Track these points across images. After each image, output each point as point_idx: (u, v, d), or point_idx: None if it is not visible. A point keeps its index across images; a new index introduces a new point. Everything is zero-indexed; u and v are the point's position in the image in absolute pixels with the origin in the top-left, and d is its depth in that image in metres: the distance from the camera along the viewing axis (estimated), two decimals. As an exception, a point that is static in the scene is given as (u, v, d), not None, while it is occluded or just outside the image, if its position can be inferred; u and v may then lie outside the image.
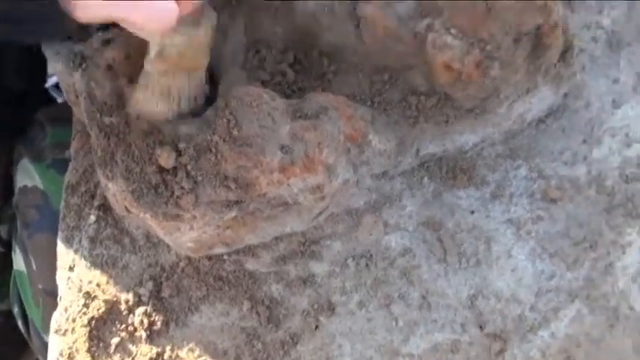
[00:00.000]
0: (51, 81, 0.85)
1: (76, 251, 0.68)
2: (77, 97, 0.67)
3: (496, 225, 0.56)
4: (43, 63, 0.82)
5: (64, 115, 0.89)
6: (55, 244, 0.85)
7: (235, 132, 0.54)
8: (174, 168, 0.56)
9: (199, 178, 0.55)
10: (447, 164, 0.60)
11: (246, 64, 0.64)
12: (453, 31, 0.54)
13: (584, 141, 0.58)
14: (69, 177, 0.73)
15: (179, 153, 0.56)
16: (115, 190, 0.60)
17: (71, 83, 0.67)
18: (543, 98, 0.59)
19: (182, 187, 0.55)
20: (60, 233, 0.70)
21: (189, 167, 0.55)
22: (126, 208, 0.61)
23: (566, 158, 0.57)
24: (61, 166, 0.89)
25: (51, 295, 0.85)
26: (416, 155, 0.60)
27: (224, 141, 0.54)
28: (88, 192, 0.71)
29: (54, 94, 0.86)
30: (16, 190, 0.94)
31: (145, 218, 0.59)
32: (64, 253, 0.69)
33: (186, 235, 0.58)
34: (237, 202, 0.56)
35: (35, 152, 0.92)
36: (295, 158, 0.53)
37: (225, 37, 0.64)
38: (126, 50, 0.60)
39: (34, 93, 0.87)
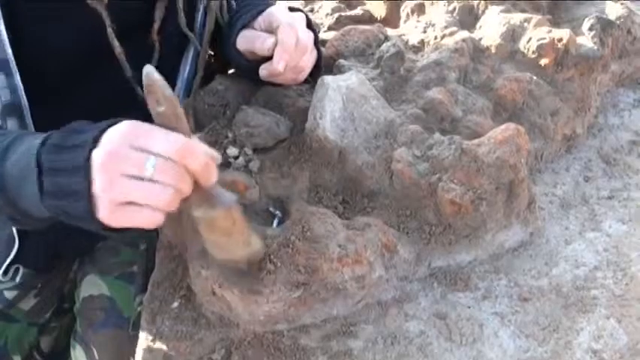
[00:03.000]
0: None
1: (158, 328, 0.86)
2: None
3: (486, 316, 0.78)
4: None
5: (131, 240, 1.12)
6: (117, 338, 1.03)
7: (308, 234, 0.79)
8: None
9: (279, 265, 0.78)
10: (450, 274, 0.83)
11: (308, 200, 0.90)
12: (455, 181, 0.83)
13: (546, 264, 0.83)
14: (154, 276, 0.94)
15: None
16: (207, 275, 0.82)
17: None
18: (516, 233, 0.85)
19: (266, 270, 0.78)
20: (145, 315, 0.89)
21: (272, 256, 0.78)
22: (212, 290, 0.82)
23: (534, 274, 0.82)
24: (129, 277, 1.10)
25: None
26: (428, 267, 0.84)
27: (299, 240, 0.79)
28: (172, 286, 0.91)
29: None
30: (79, 300, 1.13)
31: (230, 295, 0.80)
32: (146, 329, 0.87)
33: (261, 309, 0.78)
34: (303, 284, 0.78)
35: (103, 268, 1.12)
36: (349, 253, 0.77)
37: (295, 182, 0.92)
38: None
39: None
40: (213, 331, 0.84)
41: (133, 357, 0.86)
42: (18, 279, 1.11)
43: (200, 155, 0.64)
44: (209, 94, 1.07)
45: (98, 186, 0.62)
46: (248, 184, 0.87)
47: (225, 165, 0.92)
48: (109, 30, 0.86)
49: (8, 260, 1.05)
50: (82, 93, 0.94)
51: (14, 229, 1.01)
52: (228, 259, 0.74)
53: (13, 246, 1.03)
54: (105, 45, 0.89)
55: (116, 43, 0.88)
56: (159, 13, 0.94)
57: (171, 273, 0.94)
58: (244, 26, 0.94)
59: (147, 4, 0.93)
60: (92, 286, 1.11)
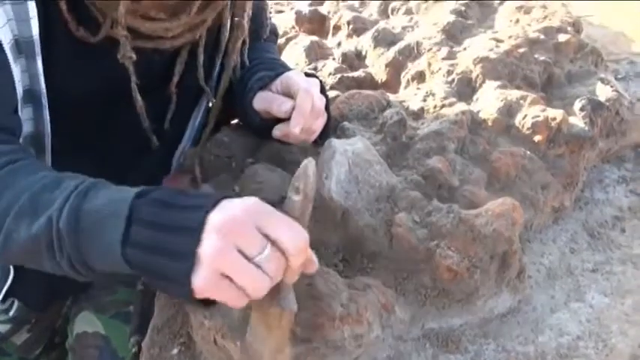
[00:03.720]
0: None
1: (158, 374, 0.89)
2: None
3: (476, 379, 0.83)
4: None
5: (128, 280, 1.14)
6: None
7: (313, 292, 0.83)
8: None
9: (282, 320, 0.81)
10: (442, 336, 0.88)
11: (310, 257, 0.94)
12: (452, 249, 0.88)
13: (532, 330, 0.88)
14: (155, 321, 0.96)
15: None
16: (210, 325, 0.85)
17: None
18: (505, 300, 0.90)
19: (270, 325, 0.81)
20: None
21: (275, 311, 0.82)
22: (214, 339, 0.85)
23: (520, 340, 0.87)
24: (125, 317, 1.11)
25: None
26: (422, 328, 0.89)
27: (303, 297, 0.82)
28: (171, 333, 0.94)
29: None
30: (72, 336, 1.14)
31: (232, 347, 0.83)
32: (146, 375, 0.89)
33: (262, 361, 0.82)
34: (305, 340, 0.81)
35: (98, 306, 1.14)
36: (351, 312, 0.81)
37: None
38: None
39: None
40: (212, 380, 0.87)
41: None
42: (12, 312, 1.13)
43: (304, 257, 0.65)
44: (215, 145, 1.12)
45: (207, 249, 0.61)
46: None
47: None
48: (133, 85, 0.91)
49: (4, 291, 1.06)
50: (99, 136, 0.98)
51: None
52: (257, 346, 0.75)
53: (8, 277, 1.05)
54: (126, 95, 0.93)
55: (138, 97, 0.93)
56: (179, 68, 0.99)
57: (171, 319, 0.97)
58: (262, 87, 0.99)
59: (168, 60, 0.98)
60: (87, 323, 1.13)
